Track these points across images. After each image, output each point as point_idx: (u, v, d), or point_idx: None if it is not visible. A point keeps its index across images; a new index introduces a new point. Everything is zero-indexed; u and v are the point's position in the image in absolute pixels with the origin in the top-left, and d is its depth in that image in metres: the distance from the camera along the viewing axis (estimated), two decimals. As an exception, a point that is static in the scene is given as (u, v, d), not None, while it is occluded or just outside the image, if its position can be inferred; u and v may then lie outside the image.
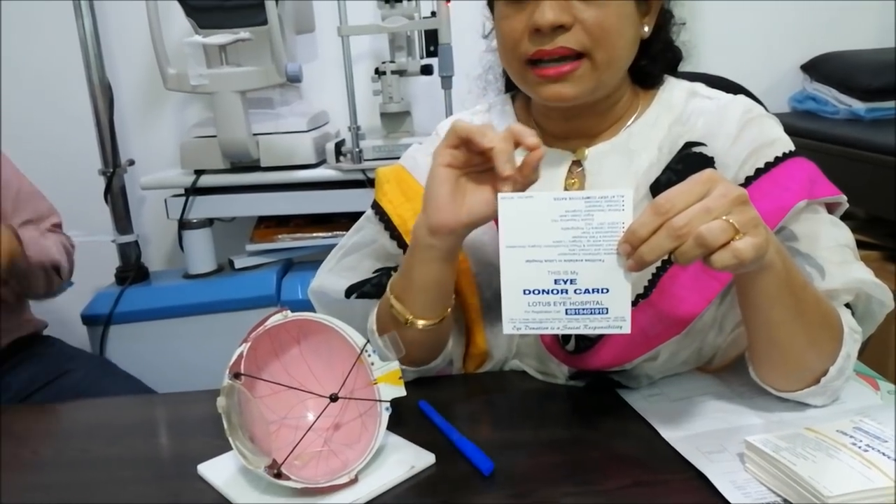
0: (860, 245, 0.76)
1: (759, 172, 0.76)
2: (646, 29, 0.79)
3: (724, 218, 0.57)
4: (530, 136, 0.66)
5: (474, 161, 0.69)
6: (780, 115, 2.29)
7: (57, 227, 1.48)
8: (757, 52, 2.08)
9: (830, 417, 0.68)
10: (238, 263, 1.86)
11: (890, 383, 0.76)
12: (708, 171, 0.60)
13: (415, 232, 0.73)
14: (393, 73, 1.76)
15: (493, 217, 0.69)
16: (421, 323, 0.75)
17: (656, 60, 0.83)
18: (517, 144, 0.67)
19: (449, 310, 0.77)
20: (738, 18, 2.07)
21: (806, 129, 1.89)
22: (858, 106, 1.87)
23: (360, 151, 1.72)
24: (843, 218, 0.80)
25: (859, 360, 0.78)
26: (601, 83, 0.76)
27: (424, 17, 1.75)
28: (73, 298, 1.74)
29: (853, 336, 0.72)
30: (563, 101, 0.76)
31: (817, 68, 2.05)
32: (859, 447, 0.59)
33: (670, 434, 0.68)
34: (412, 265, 0.74)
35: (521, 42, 0.74)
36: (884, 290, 0.74)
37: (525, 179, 0.68)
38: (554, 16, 0.71)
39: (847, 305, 0.74)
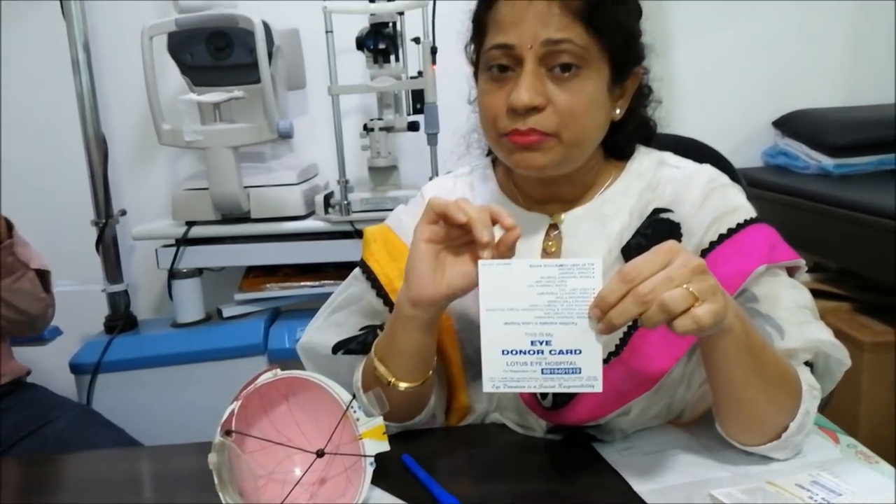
0: (831, 296, 0.81)
1: (721, 238, 0.81)
2: (617, 112, 0.84)
3: (684, 286, 0.62)
4: (507, 217, 0.70)
5: (453, 235, 0.73)
6: (753, 170, 2.33)
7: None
8: (731, 108, 2.17)
9: (792, 470, 0.72)
10: (226, 312, 1.89)
11: (849, 437, 0.80)
12: (670, 243, 0.65)
13: (397, 303, 0.77)
14: (381, 129, 1.83)
15: (471, 289, 0.73)
16: (403, 385, 0.78)
17: (629, 138, 0.89)
18: (494, 222, 0.71)
19: (430, 372, 0.81)
20: (713, 75, 2.16)
21: (777, 184, 1.96)
22: (827, 162, 1.94)
23: (349, 204, 1.77)
24: (816, 269, 0.84)
25: (821, 415, 0.82)
26: (569, 158, 0.81)
27: (411, 78, 1.81)
28: (61, 347, 1.76)
29: (812, 393, 0.76)
30: (534, 170, 0.81)
31: (788, 124, 2.13)
32: (815, 500, 0.62)
33: (642, 487, 0.72)
34: (395, 332, 0.78)
35: (499, 118, 0.80)
36: (841, 350, 0.79)
37: (501, 257, 0.71)
38: (528, 98, 0.76)
39: (808, 364, 0.79)
